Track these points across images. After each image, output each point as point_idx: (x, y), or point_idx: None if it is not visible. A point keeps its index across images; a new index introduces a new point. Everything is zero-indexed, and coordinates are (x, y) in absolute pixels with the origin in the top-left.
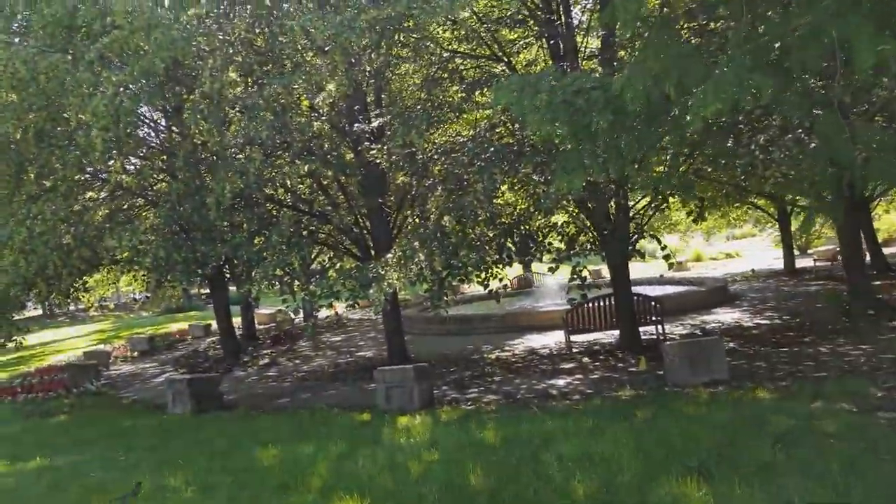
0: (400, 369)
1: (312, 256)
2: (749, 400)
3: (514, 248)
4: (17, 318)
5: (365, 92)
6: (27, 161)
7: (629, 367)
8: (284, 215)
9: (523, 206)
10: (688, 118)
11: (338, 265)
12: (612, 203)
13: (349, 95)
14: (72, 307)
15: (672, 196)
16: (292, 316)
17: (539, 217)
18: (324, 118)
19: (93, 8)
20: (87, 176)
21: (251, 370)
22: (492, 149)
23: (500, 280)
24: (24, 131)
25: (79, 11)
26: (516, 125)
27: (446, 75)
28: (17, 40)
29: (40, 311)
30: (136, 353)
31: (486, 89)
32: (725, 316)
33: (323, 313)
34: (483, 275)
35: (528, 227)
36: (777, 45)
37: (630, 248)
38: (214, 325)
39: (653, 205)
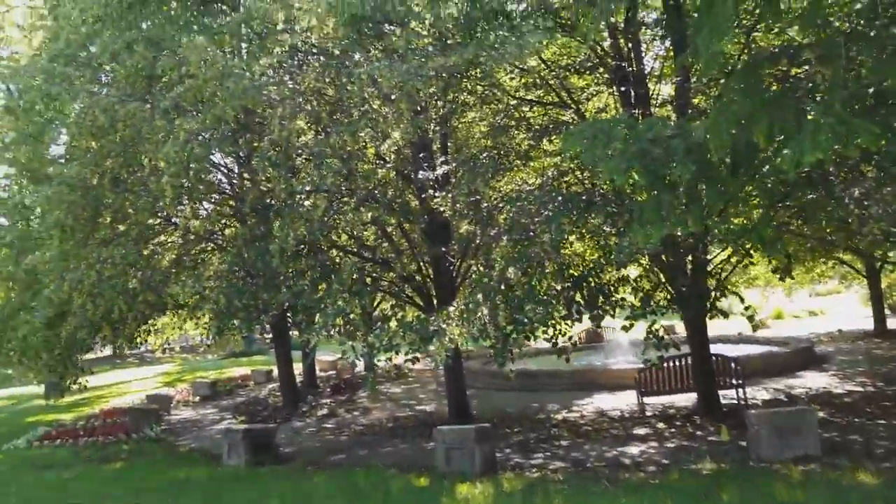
0: (460, 430)
1: (374, 305)
2: (850, 484)
3: (583, 303)
4: (83, 359)
5: (430, 139)
6: (103, 206)
7: (708, 435)
8: (346, 263)
9: (593, 258)
10: (783, 167)
11: (399, 314)
12: (690, 257)
13: (414, 143)
14: (141, 349)
15: (755, 251)
16: (354, 363)
17: (610, 270)
18: (389, 165)
19: (171, 59)
20: (159, 221)
21: (309, 420)
22: (559, 197)
23: (568, 337)
24: (101, 177)
25: (158, 62)
26: (586, 173)
27: (513, 123)
28: (103, 91)
29: (109, 352)
30: (197, 398)
31: (554, 137)
32: (812, 380)
33: (384, 362)
34: (550, 331)
35: (598, 280)
36: (871, 91)
37: (709, 306)
38: (276, 371)
39: (733, 260)
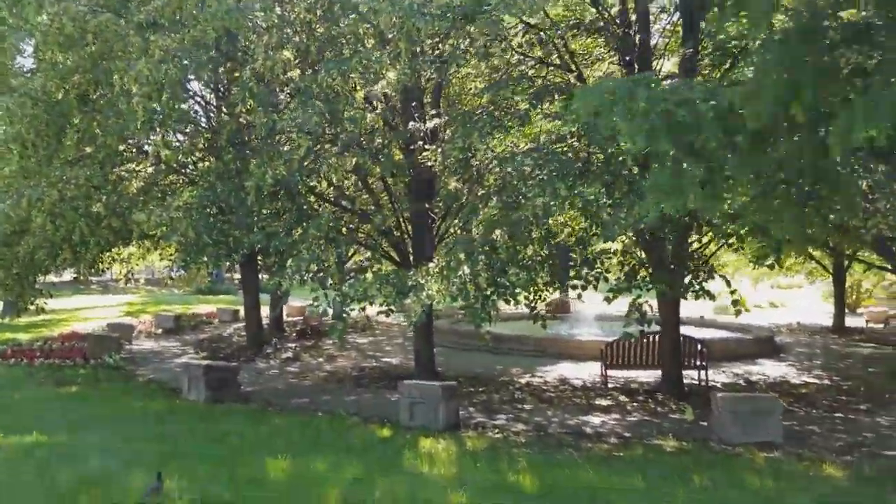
0: (427, 386)
1: (349, 255)
2: (817, 475)
3: (570, 272)
4: (44, 281)
5: (422, 90)
6: (68, 124)
7: (670, 412)
8: (325, 210)
9: (580, 227)
10: (832, 141)
11: (375, 268)
12: (674, 236)
13: (406, 90)
14: (105, 276)
15: (749, 235)
16: (324, 312)
17: (596, 242)
18: (377, 112)
19: None
20: (128, 146)
21: (273, 363)
22: (556, 162)
23: (547, 304)
24: (67, 92)
25: None
26: (583, 140)
27: (513, 80)
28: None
29: (72, 277)
30: (160, 331)
31: (553, 99)
32: (771, 369)
33: (356, 312)
34: (531, 296)
35: (584, 250)
36: None
37: (696, 287)
38: (242, 311)
39: (728, 242)
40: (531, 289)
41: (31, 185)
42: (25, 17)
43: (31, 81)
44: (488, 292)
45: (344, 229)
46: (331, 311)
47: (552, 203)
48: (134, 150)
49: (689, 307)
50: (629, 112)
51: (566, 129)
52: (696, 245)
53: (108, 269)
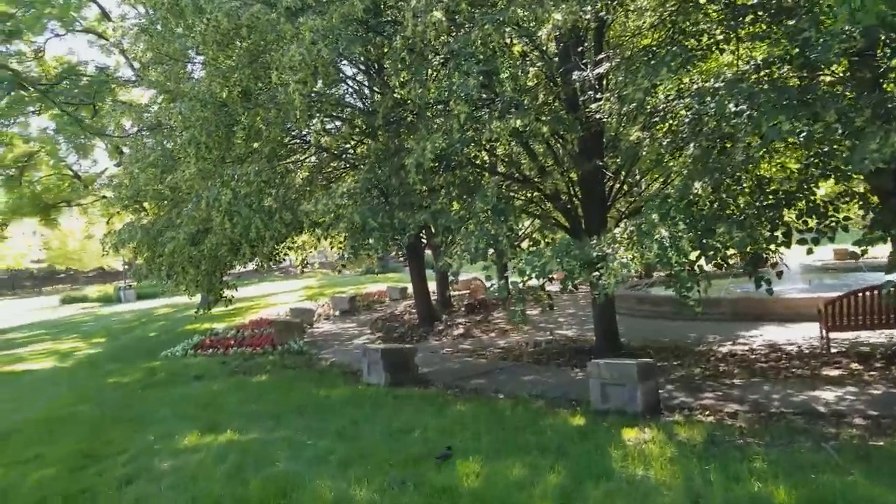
0: (621, 365)
1: (520, 228)
2: None
3: (792, 224)
4: (231, 273)
5: (581, 37)
6: (235, 123)
7: None
8: (489, 181)
9: (798, 170)
10: None
11: (548, 237)
12: None
13: (566, 38)
14: (284, 263)
15: None
16: (499, 291)
17: (823, 184)
18: (539, 65)
19: None
20: (291, 138)
21: (445, 340)
22: (773, 92)
23: (772, 263)
24: (230, 91)
25: None
26: (796, 63)
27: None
28: None
29: (254, 267)
30: (337, 312)
31: (757, 18)
32: None
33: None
34: (754, 257)
35: (810, 197)
36: None
37: None
38: (410, 288)
39: None
40: (751, 247)
41: (208, 187)
42: (186, 20)
43: (198, 85)
44: (693, 256)
45: (512, 199)
46: (501, 288)
47: (771, 139)
48: (297, 141)
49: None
50: None
51: (778, 52)
52: None
53: (285, 258)
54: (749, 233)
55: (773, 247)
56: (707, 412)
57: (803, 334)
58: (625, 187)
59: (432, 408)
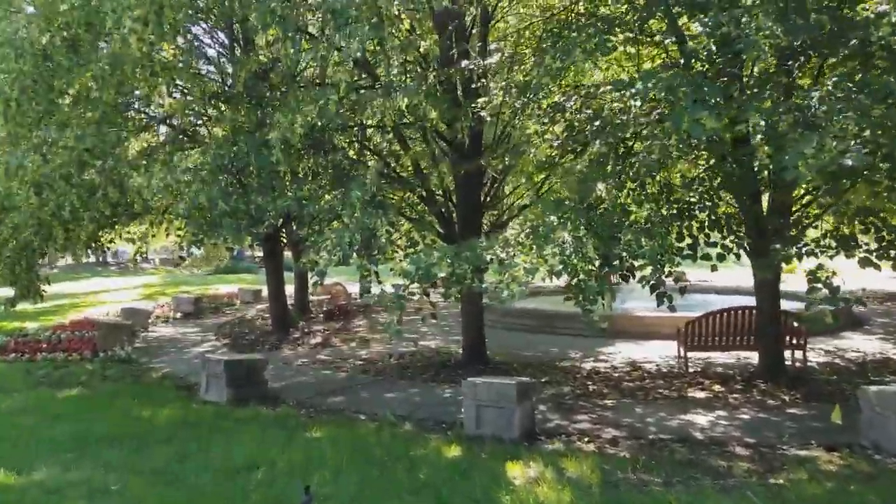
0: (498, 385)
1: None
2: None
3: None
4: (55, 267)
5: (465, 27)
6: (60, 78)
7: (784, 405)
8: (371, 166)
9: (698, 177)
10: None
11: (427, 239)
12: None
13: (455, 23)
14: (117, 258)
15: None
16: (379, 297)
17: (725, 197)
18: (427, 43)
19: None
20: (128, 105)
21: (301, 349)
22: (695, 86)
23: (677, 279)
24: (53, 37)
25: None
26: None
27: None
28: None
29: (93, 259)
30: (179, 315)
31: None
32: (862, 344)
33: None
34: (660, 270)
35: (713, 210)
36: None
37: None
38: (265, 291)
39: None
40: (662, 259)
41: (8, 151)
42: None
43: (11, 26)
44: (595, 265)
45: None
46: (382, 291)
47: (689, 141)
48: (136, 111)
49: (729, 276)
50: None
51: (696, 46)
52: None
53: (108, 249)
54: (659, 242)
55: (676, 261)
56: (586, 438)
57: (658, 353)
58: (502, 192)
59: (283, 434)
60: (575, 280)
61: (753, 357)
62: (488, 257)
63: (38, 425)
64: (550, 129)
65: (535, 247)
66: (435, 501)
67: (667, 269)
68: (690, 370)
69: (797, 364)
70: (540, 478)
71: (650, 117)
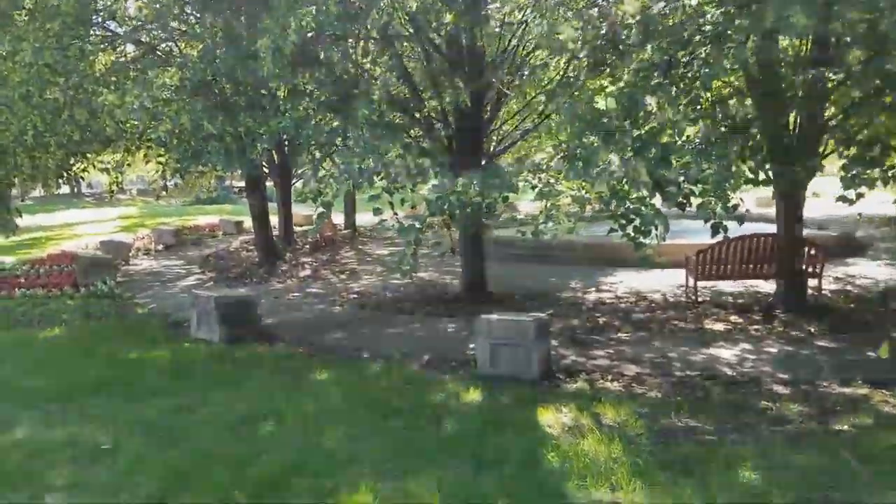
0: (514, 322)
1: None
2: None
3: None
4: (30, 198)
5: None
6: None
7: (812, 337)
8: (379, 79)
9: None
10: None
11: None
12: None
13: None
14: (89, 188)
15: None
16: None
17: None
18: None
19: None
20: (92, 16)
21: (291, 282)
22: None
23: (735, 206)
24: None
25: None
26: None
27: None
28: None
29: (68, 190)
30: (160, 247)
31: None
32: (870, 269)
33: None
34: (723, 197)
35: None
36: None
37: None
38: (248, 222)
39: None
40: (728, 186)
41: None
42: None
43: None
44: (647, 192)
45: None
46: (391, 224)
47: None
48: (98, 19)
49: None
50: None
51: None
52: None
53: (81, 178)
54: (725, 165)
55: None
56: (609, 376)
57: (661, 282)
58: (499, 116)
59: (286, 378)
60: (621, 209)
61: (763, 286)
62: (520, 184)
63: (16, 373)
64: (584, 35)
65: (572, 172)
66: (474, 462)
67: (732, 197)
68: (700, 299)
69: (814, 293)
70: (577, 427)
71: (707, 18)
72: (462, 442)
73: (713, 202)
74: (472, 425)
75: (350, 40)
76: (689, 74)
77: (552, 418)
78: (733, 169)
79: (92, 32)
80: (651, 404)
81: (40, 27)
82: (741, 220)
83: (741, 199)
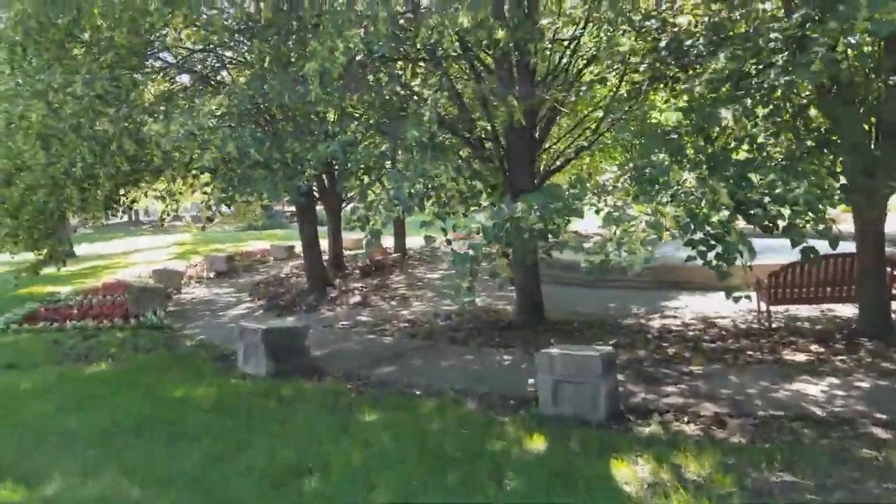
0: (579, 356)
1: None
2: None
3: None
4: (89, 227)
5: None
6: (67, 15)
7: None
8: (429, 101)
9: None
10: None
11: (491, 191)
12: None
13: None
14: (143, 217)
15: None
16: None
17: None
18: None
19: None
20: (145, 45)
21: (340, 310)
22: None
23: (829, 229)
24: None
25: None
26: None
27: None
28: None
29: (126, 219)
30: (212, 274)
31: None
32: None
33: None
34: (819, 218)
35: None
36: None
37: None
38: (299, 247)
39: None
40: (821, 203)
41: (10, 97)
42: None
43: None
44: (726, 214)
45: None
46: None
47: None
48: (151, 49)
49: None
50: None
51: None
52: None
53: (130, 208)
54: (816, 183)
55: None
56: (684, 418)
57: (727, 306)
58: (550, 135)
59: (333, 419)
60: (700, 234)
61: (841, 310)
62: (584, 208)
63: (57, 413)
64: (646, 47)
65: (643, 194)
66: None
67: (826, 217)
68: (774, 326)
69: None
70: (658, 483)
71: (782, 24)
72: (527, 502)
73: (804, 224)
74: (538, 480)
75: (399, 62)
76: (766, 84)
77: (628, 472)
78: (826, 186)
79: (146, 63)
80: (737, 452)
81: (94, 60)
82: (835, 241)
83: (833, 219)
